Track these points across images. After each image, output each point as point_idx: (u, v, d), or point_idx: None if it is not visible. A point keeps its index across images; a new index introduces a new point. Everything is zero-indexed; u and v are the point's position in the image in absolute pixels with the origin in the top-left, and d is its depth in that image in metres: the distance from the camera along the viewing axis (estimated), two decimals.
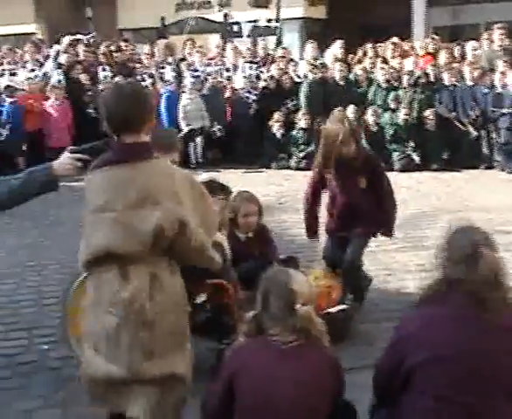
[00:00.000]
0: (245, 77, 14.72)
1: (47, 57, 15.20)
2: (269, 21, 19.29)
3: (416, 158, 13.24)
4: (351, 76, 14.56)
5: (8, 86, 13.72)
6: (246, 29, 19.66)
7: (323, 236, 6.31)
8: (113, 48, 15.56)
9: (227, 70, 15.20)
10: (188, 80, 14.36)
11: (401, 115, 13.43)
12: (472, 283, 3.00)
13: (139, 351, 3.57)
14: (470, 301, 3.01)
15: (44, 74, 14.51)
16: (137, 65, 15.11)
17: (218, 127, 14.39)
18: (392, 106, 13.71)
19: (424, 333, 3.07)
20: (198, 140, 14.12)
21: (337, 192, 6.02)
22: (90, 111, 14.28)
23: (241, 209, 5.87)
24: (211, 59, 15.37)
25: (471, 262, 3.02)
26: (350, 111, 13.47)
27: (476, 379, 2.98)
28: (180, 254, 3.70)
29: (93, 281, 3.76)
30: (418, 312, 3.23)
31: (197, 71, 14.86)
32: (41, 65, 14.83)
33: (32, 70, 14.47)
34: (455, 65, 14.00)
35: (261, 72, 14.93)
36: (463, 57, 14.43)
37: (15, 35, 23.87)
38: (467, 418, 2.98)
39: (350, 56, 15.39)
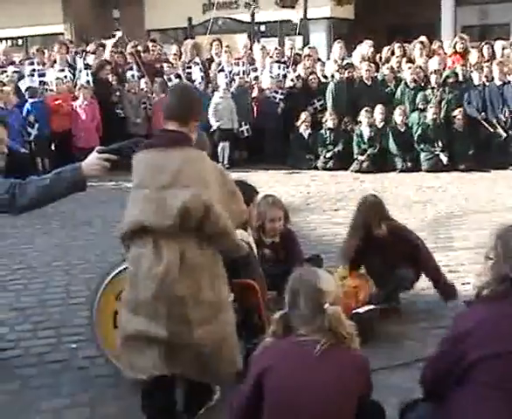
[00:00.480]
0: (272, 77, 14.71)
1: (75, 57, 15.31)
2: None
3: (444, 158, 13.14)
4: (378, 76, 14.51)
5: (29, 87, 13.83)
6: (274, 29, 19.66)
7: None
8: (140, 48, 15.63)
9: (254, 70, 15.19)
10: (221, 80, 14.39)
11: (429, 115, 13.34)
12: None
13: (176, 319, 3.94)
14: None
15: (74, 74, 14.61)
16: (164, 66, 15.16)
17: (246, 127, 14.40)
18: (420, 105, 13.62)
19: (484, 330, 3.06)
20: (226, 143, 14.14)
21: None
22: (118, 111, 14.39)
23: (267, 214, 5.92)
24: (239, 59, 15.37)
25: None
26: (378, 111, 13.45)
27: None
28: (208, 235, 3.98)
29: (132, 255, 4.09)
30: (476, 310, 3.22)
31: (223, 70, 14.89)
32: (70, 65, 14.93)
33: (61, 70, 14.57)
34: (485, 64, 13.87)
35: (288, 72, 14.90)
36: (492, 56, 14.29)
37: (43, 35, 24.12)
38: None
39: (378, 56, 15.33)
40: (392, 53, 15.12)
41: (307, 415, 3.10)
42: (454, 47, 14.85)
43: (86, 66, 14.76)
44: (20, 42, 25.62)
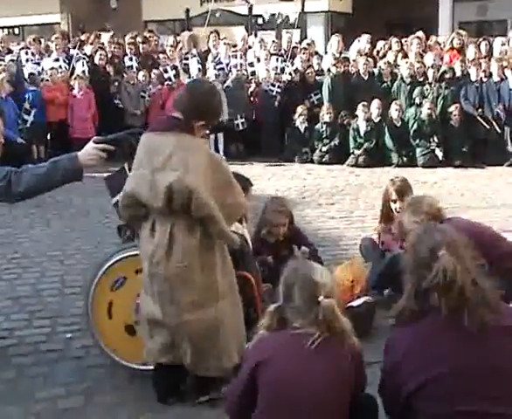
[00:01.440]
0: (267, 70, 14.67)
1: (71, 47, 15.29)
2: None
3: (439, 154, 13.16)
4: (375, 70, 14.51)
5: (31, 74, 13.81)
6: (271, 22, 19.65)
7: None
8: (139, 39, 15.60)
9: (251, 65, 15.14)
10: (211, 72, 14.35)
11: (425, 110, 13.35)
12: (435, 288, 2.90)
13: (165, 300, 4.15)
14: (448, 311, 2.91)
15: (69, 64, 14.57)
16: (161, 56, 15.13)
17: (241, 120, 14.38)
18: (418, 100, 13.63)
19: (411, 361, 2.96)
20: (220, 134, 14.11)
21: None
22: (116, 102, 14.36)
23: (272, 221, 6.09)
24: (236, 52, 15.35)
25: (430, 266, 2.93)
26: (375, 105, 13.45)
27: (476, 385, 2.87)
28: (198, 219, 4.10)
29: (139, 237, 4.35)
30: (402, 336, 3.08)
31: (220, 63, 14.86)
32: (66, 55, 14.89)
33: (57, 60, 14.53)
34: (482, 60, 13.88)
35: (287, 65, 14.87)
36: (489, 52, 14.30)
37: (39, 25, 24.05)
38: None
39: (375, 50, 15.33)
40: (390, 48, 15.12)
41: (303, 407, 3.10)
42: (452, 43, 14.87)
43: (83, 56, 14.73)
44: (17, 31, 25.55)
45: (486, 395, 2.85)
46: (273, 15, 20.34)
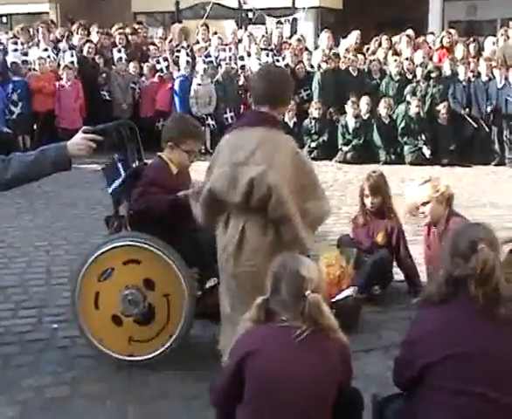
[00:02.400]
0: (260, 64, 14.64)
1: (60, 39, 15.22)
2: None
3: (426, 152, 13.22)
4: (364, 67, 14.54)
5: (13, 63, 13.74)
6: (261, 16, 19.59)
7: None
8: (128, 30, 15.55)
9: (241, 58, 15.13)
10: (200, 66, 14.33)
11: (412, 108, 13.40)
12: (471, 278, 3.07)
13: (236, 297, 4.11)
14: (476, 297, 3.07)
15: (58, 54, 14.52)
16: (151, 48, 15.11)
17: (231, 114, 14.37)
18: (408, 98, 13.68)
19: (432, 337, 3.14)
20: (207, 128, 14.12)
21: None
22: (104, 93, 14.31)
23: None
24: (226, 45, 15.34)
25: (467, 257, 3.09)
26: (364, 102, 13.49)
27: (489, 372, 3.04)
28: (273, 220, 4.01)
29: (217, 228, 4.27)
30: (427, 315, 3.29)
31: (209, 56, 14.85)
32: (54, 45, 14.82)
33: (45, 50, 14.47)
34: (471, 59, 13.94)
35: (277, 60, 14.87)
36: (479, 52, 14.37)
37: (27, 14, 23.88)
38: (485, 409, 3.04)
39: (366, 47, 15.36)
40: (380, 45, 15.16)
41: (289, 399, 3.11)
42: (441, 42, 14.93)
43: (71, 47, 14.68)
44: (4, 20, 25.38)
45: (494, 382, 3.03)
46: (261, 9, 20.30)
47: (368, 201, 6.30)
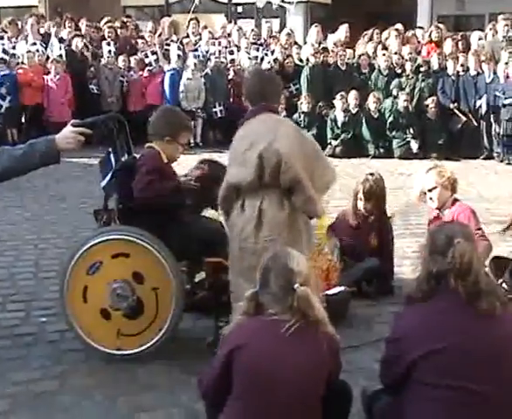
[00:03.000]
0: (249, 58, 14.66)
1: (48, 31, 15.14)
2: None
3: (414, 146, 13.25)
4: (353, 61, 14.55)
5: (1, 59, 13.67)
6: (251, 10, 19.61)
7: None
8: (117, 24, 15.50)
9: (231, 52, 15.10)
10: (190, 60, 14.30)
11: (401, 102, 13.42)
12: (450, 272, 3.12)
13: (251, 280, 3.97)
14: (457, 291, 3.12)
15: (46, 48, 14.44)
16: (139, 42, 15.07)
17: (220, 108, 14.36)
18: (395, 92, 13.70)
19: (415, 334, 3.17)
20: (199, 121, 14.12)
21: None
22: (92, 87, 14.27)
23: None
24: (215, 39, 15.31)
25: (445, 252, 3.15)
26: (352, 96, 13.50)
27: (471, 365, 3.07)
28: (286, 190, 4.21)
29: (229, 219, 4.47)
30: (409, 312, 3.34)
31: (199, 50, 14.82)
32: (42, 39, 14.75)
33: (33, 44, 14.39)
34: (460, 54, 13.97)
35: (266, 54, 14.84)
36: (467, 46, 14.39)
37: (16, 7, 23.72)
38: (470, 401, 3.07)
39: (358, 42, 15.35)
40: (370, 39, 15.15)
41: (278, 392, 3.13)
42: (430, 36, 14.95)
43: (60, 40, 14.61)
44: None
45: (478, 375, 3.07)
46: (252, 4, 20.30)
47: (361, 204, 6.28)
